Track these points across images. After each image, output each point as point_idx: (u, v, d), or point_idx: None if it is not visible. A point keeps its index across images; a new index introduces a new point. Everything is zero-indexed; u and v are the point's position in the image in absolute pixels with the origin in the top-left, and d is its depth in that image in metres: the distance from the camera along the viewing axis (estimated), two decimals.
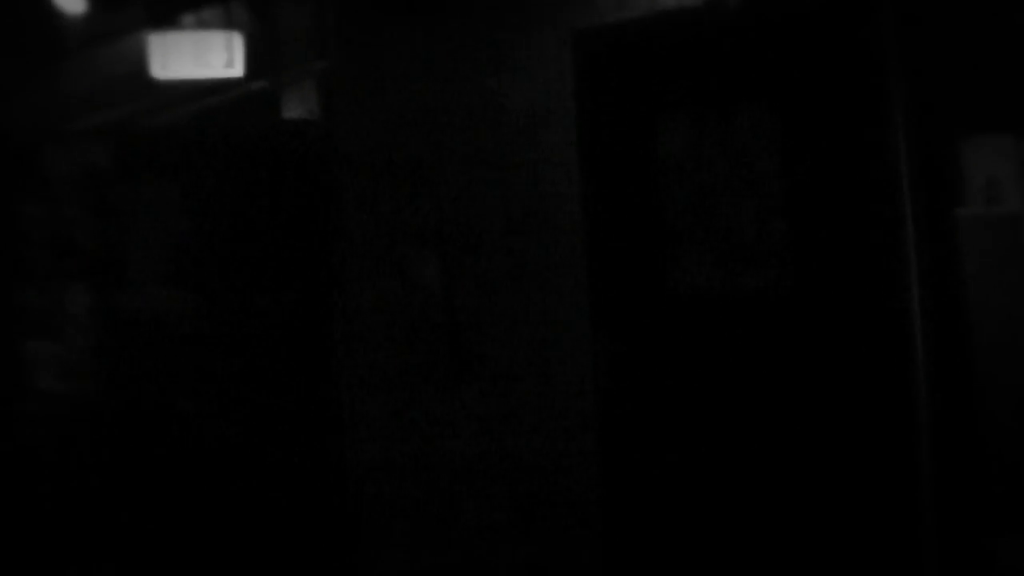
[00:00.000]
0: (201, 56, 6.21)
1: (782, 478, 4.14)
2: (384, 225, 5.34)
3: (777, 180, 4.17)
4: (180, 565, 5.09)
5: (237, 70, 6.22)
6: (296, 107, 6.14)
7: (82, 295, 5.37)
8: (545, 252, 4.87)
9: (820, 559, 4.09)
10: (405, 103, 5.35)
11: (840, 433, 4.03)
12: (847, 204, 4.06)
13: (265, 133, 5.90)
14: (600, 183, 4.67)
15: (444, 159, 5.21)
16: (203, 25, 6.43)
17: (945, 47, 4.03)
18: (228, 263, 5.46)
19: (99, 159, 5.53)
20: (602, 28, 4.70)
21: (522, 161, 4.98)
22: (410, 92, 5.33)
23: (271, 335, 5.45)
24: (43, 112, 7.56)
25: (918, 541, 3.95)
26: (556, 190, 4.85)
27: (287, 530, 5.27)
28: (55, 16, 7.04)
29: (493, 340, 4.96)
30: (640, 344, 4.49)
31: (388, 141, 5.40)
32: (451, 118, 5.20)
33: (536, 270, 4.89)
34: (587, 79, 4.75)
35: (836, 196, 4.08)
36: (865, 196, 4.04)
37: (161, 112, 6.72)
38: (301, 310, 5.50)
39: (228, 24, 6.35)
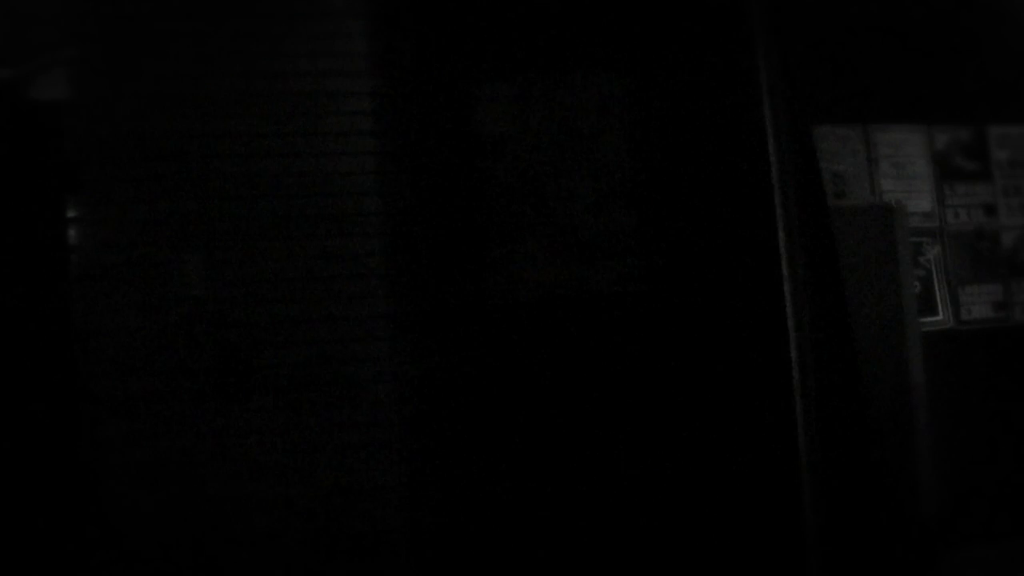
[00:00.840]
0: None
1: (644, 502, 3.53)
2: (141, 222, 4.52)
3: (624, 162, 3.58)
4: None
5: None
6: (41, 93, 5.26)
7: None
8: (339, 251, 4.15)
9: None
10: (168, 86, 4.56)
11: (710, 447, 3.46)
12: (708, 191, 3.49)
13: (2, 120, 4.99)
14: (406, 167, 3.98)
15: (214, 147, 4.44)
16: None
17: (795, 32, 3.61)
18: None
19: None
20: None
21: (309, 147, 4.26)
22: (174, 72, 4.55)
23: None
24: None
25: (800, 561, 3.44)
26: (351, 179, 4.16)
27: None
28: None
29: (277, 353, 4.18)
30: (459, 356, 3.80)
31: (146, 129, 4.60)
32: (223, 101, 4.44)
33: (328, 271, 4.15)
34: (384, 45, 4.07)
35: (695, 181, 3.51)
36: (730, 183, 3.48)
37: None
38: (34, 318, 4.58)
39: None
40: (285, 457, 4.14)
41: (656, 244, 3.48)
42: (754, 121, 3.45)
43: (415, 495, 4.01)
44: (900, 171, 4.89)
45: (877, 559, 3.52)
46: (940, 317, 4.86)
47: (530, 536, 3.65)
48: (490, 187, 3.71)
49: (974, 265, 5.02)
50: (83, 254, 4.55)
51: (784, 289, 3.43)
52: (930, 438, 3.99)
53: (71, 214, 4.71)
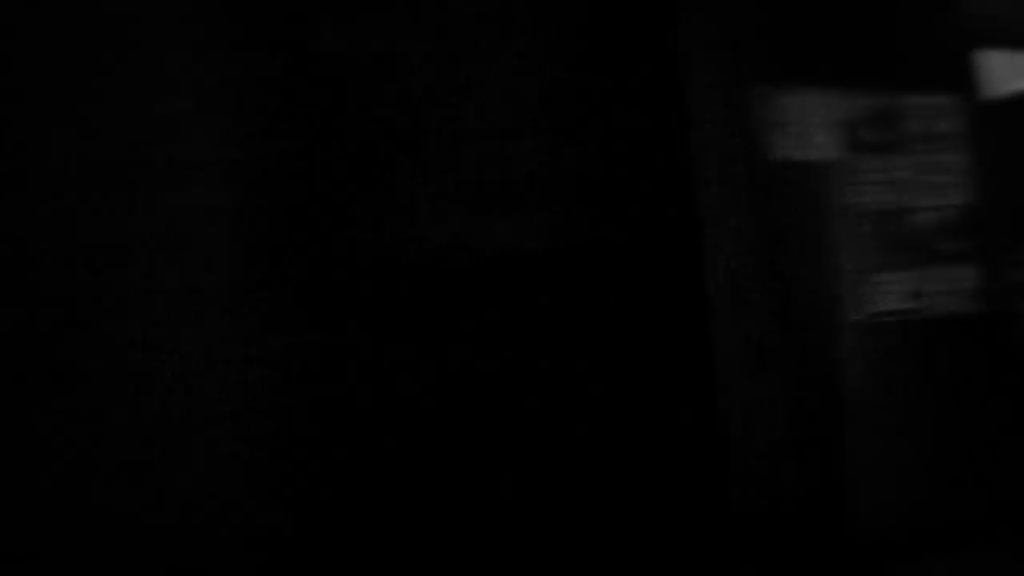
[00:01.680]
0: None
1: (544, 498, 2.91)
2: None
3: (531, 88, 2.95)
4: None
5: None
6: None
7: None
8: (178, 204, 3.44)
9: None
10: None
11: (624, 437, 2.86)
12: (632, 124, 2.89)
13: None
14: (260, 102, 3.29)
15: (25, 73, 3.71)
16: None
17: None
18: None
19: None
20: None
21: (138, 76, 3.57)
22: None
23: None
24: None
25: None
26: (194, 118, 3.48)
27: None
28: None
29: (100, 328, 3.44)
30: (328, 329, 3.10)
31: None
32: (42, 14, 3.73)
33: (163, 229, 3.44)
34: None
35: (618, 112, 2.91)
36: (653, 130, 2.90)
37: None
38: None
39: None
40: (101, 453, 3.39)
41: (570, 191, 2.87)
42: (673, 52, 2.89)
43: (266, 496, 3.32)
44: (801, 141, 4.45)
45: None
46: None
47: (430, 535, 2.99)
48: (365, 121, 3.04)
49: (883, 250, 4.61)
50: None
51: (707, 250, 2.86)
52: (865, 442, 3.49)
53: None
